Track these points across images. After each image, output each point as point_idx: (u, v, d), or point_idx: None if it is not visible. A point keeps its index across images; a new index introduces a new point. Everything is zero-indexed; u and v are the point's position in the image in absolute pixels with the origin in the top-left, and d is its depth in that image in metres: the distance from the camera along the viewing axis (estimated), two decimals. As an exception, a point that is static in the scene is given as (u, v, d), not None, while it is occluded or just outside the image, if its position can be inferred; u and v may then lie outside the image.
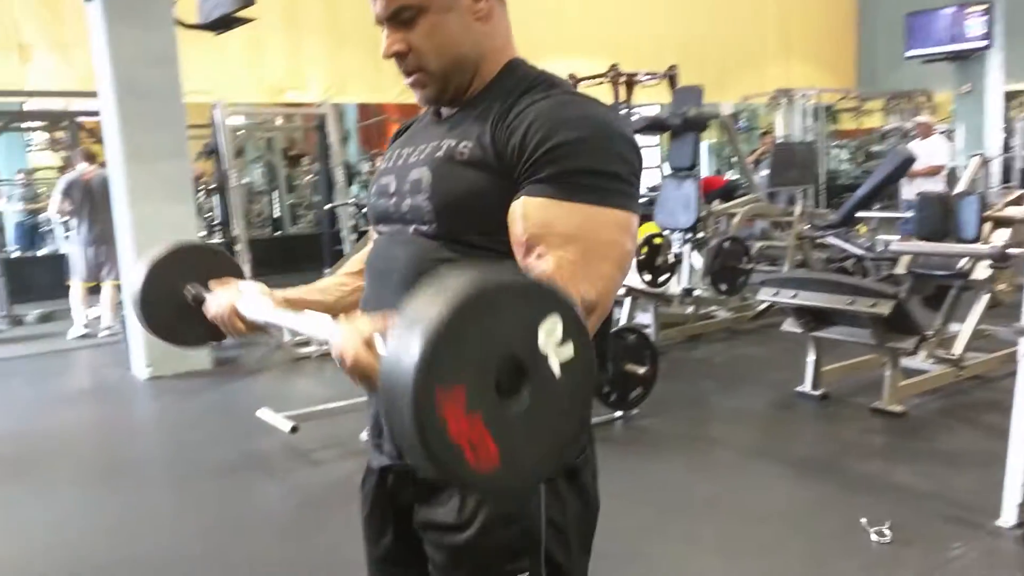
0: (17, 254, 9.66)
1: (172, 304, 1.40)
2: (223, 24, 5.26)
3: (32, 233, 10.38)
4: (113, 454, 4.01)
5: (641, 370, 4.03)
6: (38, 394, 5.25)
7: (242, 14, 5.06)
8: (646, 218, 8.48)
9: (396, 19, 1.13)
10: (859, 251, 6.44)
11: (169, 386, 5.15)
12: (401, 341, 0.79)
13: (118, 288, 6.23)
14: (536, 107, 1.09)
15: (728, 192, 7.76)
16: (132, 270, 1.40)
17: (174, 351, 5.39)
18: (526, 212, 1.07)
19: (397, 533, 1.27)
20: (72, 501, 3.46)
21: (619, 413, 4.09)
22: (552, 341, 0.84)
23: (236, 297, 1.30)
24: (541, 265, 1.04)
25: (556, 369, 0.85)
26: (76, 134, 8.97)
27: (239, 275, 1.42)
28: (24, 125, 10.58)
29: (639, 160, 1.12)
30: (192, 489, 3.53)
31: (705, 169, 14.81)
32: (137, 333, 5.35)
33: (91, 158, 6.86)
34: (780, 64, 13.66)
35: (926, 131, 8.02)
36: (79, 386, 5.47)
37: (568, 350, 0.85)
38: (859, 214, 6.47)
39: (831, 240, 6.68)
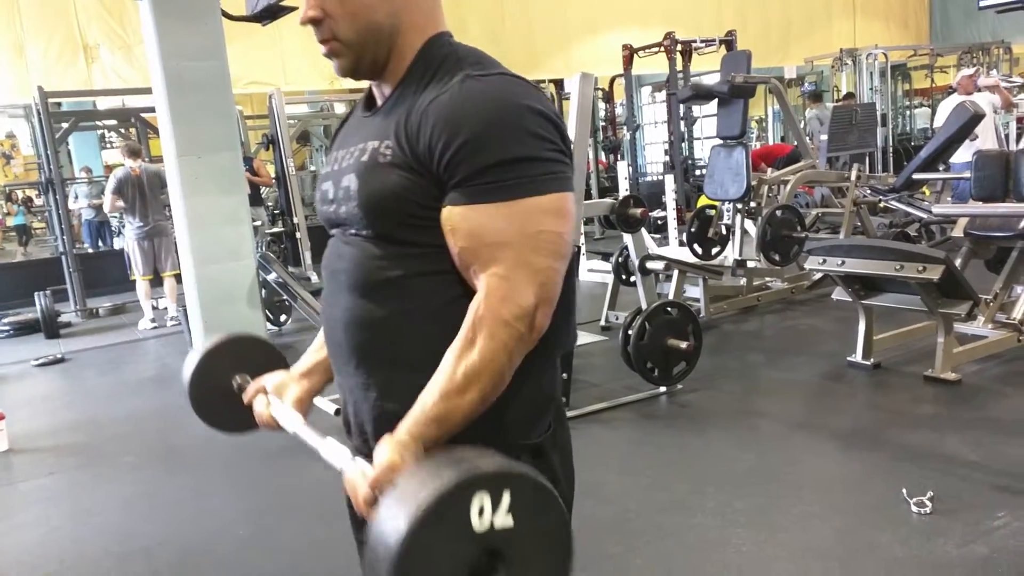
0: (90, 250, 10.11)
1: (221, 392, 1.47)
2: (269, 14, 5.33)
3: (101, 228, 10.84)
4: (172, 439, 4.19)
5: (684, 344, 3.98)
6: (108, 383, 5.51)
7: (288, 3, 5.12)
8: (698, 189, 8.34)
9: None
10: (922, 214, 6.21)
11: (229, 371, 5.32)
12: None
13: (178, 278, 6.45)
14: (436, 105, 1.06)
15: (794, 159, 7.53)
16: (188, 358, 1.49)
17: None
18: (453, 225, 1.06)
19: None
20: (133, 485, 3.63)
21: (663, 388, 4.06)
22: (486, 513, 0.86)
23: (273, 406, 1.36)
24: (478, 287, 1.05)
25: (508, 523, 0.86)
26: (142, 130, 9.30)
27: (283, 365, 1.48)
28: (94, 123, 11.00)
29: (557, 131, 1.08)
30: (243, 472, 3.66)
31: (771, 136, 14.45)
32: (197, 324, 5.54)
33: (136, 154, 7.10)
34: (846, 23, 13.17)
35: (967, 87, 7.56)
36: (144, 375, 5.70)
37: (504, 503, 0.86)
38: (922, 176, 6.22)
39: (893, 204, 6.45)
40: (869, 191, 6.42)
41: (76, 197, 10.23)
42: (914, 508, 2.67)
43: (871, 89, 11.36)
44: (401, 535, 0.82)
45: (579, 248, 3.83)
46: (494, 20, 10.26)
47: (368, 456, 1.09)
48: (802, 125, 9.87)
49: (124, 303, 7.82)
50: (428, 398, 1.05)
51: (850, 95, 11.04)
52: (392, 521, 0.84)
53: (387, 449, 1.03)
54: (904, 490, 2.75)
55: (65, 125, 8.52)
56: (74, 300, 7.87)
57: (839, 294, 4.22)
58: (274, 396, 1.37)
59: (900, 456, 3.15)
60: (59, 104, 9.64)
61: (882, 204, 6.61)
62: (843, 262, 3.97)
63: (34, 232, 13.76)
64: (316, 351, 1.40)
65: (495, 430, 1.11)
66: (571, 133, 3.88)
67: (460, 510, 0.84)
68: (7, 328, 7.36)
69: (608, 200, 4.18)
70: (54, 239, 9.03)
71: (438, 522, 0.83)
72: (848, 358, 4.24)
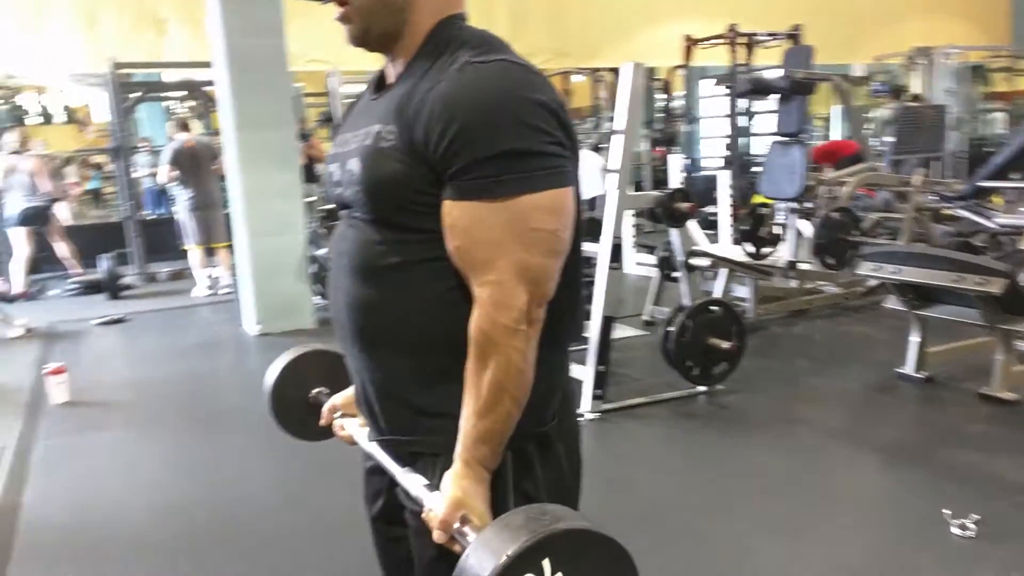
0: (152, 216, 10.38)
1: (300, 403, 1.55)
2: (329, -6, 5.39)
3: (162, 196, 11.13)
4: (216, 403, 4.29)
5: (725, 344, 3.91)
6: (161, 346, 5.66)
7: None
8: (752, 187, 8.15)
9: None
10: (991, 224, 5.97)
11: (275, 342, 5.41)
12: None
13: (229, 248, 6.59)
14: (433, 93, 1.05)
15: (859, 159, 7.29)
16: (270, 368, 1.57)
17: (283, 310, 5.75)
18: (450, 221, 1.06)
19: (387, 498, 1.30)
20: (177, 444, 3.74)
21: (702, 388, 4.00)
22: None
23: (346, 427, 1.40)
24: (475, 293, 1.06)
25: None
26: (205, 103, 9.49)
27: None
28: (161, 95, 11.26)
29: (557, 121, 1.06)
30: (282, 439, 3.68)
31: (836, 133, 14.07)
32: (248, 293, 5.65)
33: (184, 128, 7.28)
34: (922, 20, 12.71)
35: None
36: (196, 340, 5.84)
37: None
38: (992, 184, 5.97)
39: (959, 212, 6.22)
40: (934, 197, 6.21)
41: (139, 167, 10.51)
42: (956, 530, 2.57)
43: (945, 90, 10.96)
44: None
45: (619, 241, 3.77)
46: (520, 11, 10.09)
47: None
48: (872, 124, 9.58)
49: (182, 269, 8.00)
50: (467, 422, 1.07)
51: (916, 96, 10.66)
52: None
53: (449, 484, 1.07)
54: (946, 510, 2.65)
55: (134, 95, 8.74)
56: (136, 264, 8.12)
57: (892, 302, 4.09)
58: (347, 419, 1.41)
59: (945, 475, 3.05)
60: (130, 75, 9.89)
61: (947, 211, 6.38)
62: (898, 270, 3.84)
63: (104, 197, 14.22)
64: None
65: None
66: (619, 123, 3.83)
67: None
68: (74, 287, 7.64)
69: (653, 193, 4.11)
70: (120, 204, 9.30)
71: None
72: (898, 369, 4.11)
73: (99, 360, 5.48)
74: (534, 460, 1.16)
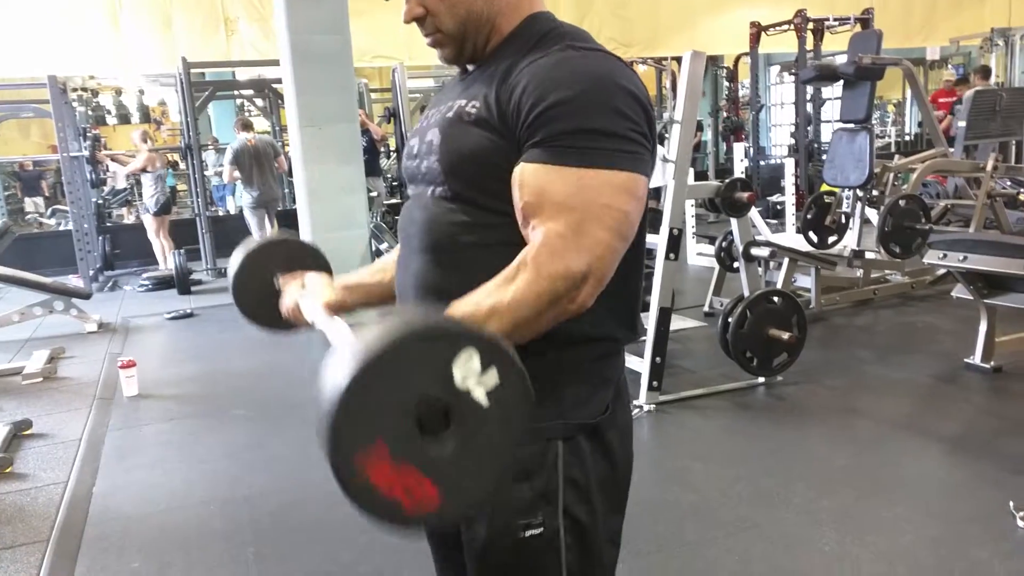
0: (221, 212, 10.71)
1: (263, 291, 1.50)
2: (393, -9, 5.48)
3: (224, 195, 11.48)
4: (281, 397, 4.41)
5: (786, 335, 3.86)
6: (229, 340, 5.83)
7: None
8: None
9: None
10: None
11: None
12: (318, 411, 0.83)
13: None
14: (533, 67, 1.08)
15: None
16: (233, 254, 1.53)
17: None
18: (523, 180, 1.06)
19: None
20: (242, 436, 3.86)
21: (761, 379, 3.96)
22: (472, 374, 0.85)
23: (300, 295, 1.41)
24: (532, 238, 1.05)
25: (483, 399, 0.86)
26: (274, 101, 9.73)
27: (327, 270, 1.52)
28: (231, 93, 11.58)
29: (644, 114, 1.08)
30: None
31: (908, 122, 13.64)
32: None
33: (247, 127, 7.48)
34: (1002, 0, 12.20)
35: None
36: (260, 335, 5.93)
37: (492, 377, 0.86)
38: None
39: (1035, 198, 6.00)
40: (1009, 183, 5.99)
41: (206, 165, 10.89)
42: (1020, 523, 2.52)
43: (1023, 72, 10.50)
44: (382, 343, 0.83)
45: (680, 231, 3.76)
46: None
47: None
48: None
49: (250, 265, 8.26)
50: (460, 303, 1.05)
51: (986, 71, 10.21)
52: (388, 326, 0.85)
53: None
54: (1012, 503, 2.60)
55: (205, 94, 9.03)
56: (205, 259, 8.40)
57: (959, 291, 3.97)
58: (307, 290, 1.42)
59: (1011, 468, 2.96)
60: (203, 74, 10.20)
61: (1023, 197, 6.15)
62: (965, 257, 3.74)
63: (178, 194, 14.72)
64: (369, 274, 1.44)
65: (552, 407, 1.13)
66: (679, 112, 3.81)
67: (447, 351, 0.85)
68: (147, 282, 7.95)
69: (714, 183, 4.07)
70: (191, 201, 9.62)
71: (424, 345, 0.85)
72: (966, 360, 4.00)
73: (169, 353, 5.70)
74: (585, 451, 1.16)
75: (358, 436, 0.83)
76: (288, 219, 7.51)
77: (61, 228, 10.19)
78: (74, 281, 7.78)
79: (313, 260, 1.56)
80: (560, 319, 1.05)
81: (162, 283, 7.83)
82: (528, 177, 1.06)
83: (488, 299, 1.03)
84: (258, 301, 1.52)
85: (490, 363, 0.86)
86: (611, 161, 1.04)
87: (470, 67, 1.23)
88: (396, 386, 0.83)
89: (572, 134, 1.04)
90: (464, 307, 1.04)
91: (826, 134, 10.23)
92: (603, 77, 1.06)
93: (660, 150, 3.97)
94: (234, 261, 1.52)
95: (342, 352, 0.84)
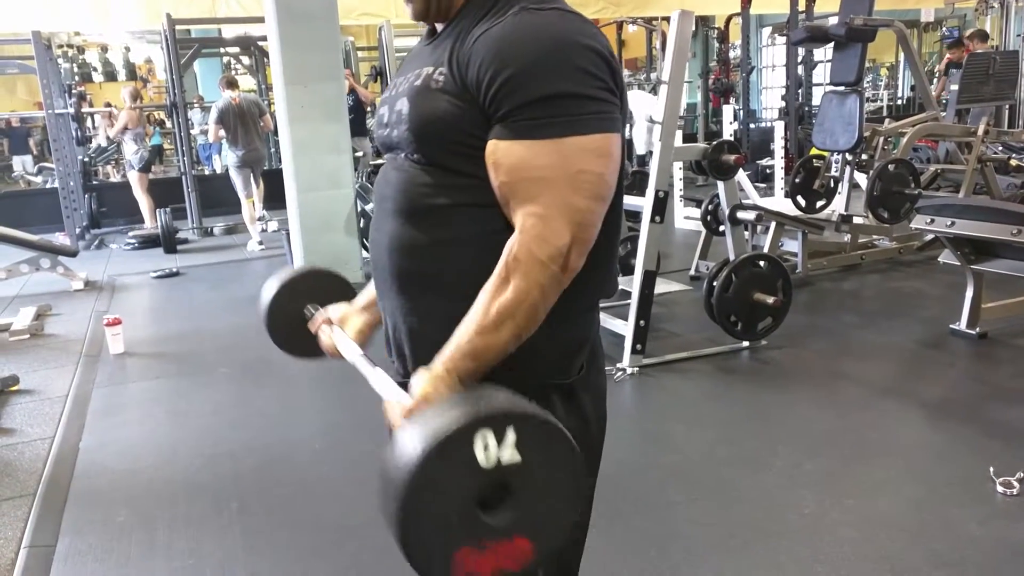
0: (207, 171, 10.60)
1: (294, 319, 1.54)
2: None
3: (210, 153, 11.34)
4: (265, 355, 4.34)
5: (770, 300, 3.86)
6: (214, 299, 5.82)
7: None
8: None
9: None
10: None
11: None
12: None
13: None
14: (486, 36, 1.06)
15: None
16: (266, 284, 1.57)
17: (331, 264, 5.74)
18: (496, 160, 1.06)
19: None
20: (226, 393, 3.87)
21: (745, 343, 3.96)
22: (492, 448, 0.88)
23: (336, 336, 1.41)
24: (516, 224, 1.06)
25: (515, 457, 0.89)
26: (260, 58, 9.57)
27: (351, 297, 1.53)
28: (217, 51, 11.40)
29: (609, 69, 1.06)
30: (326, 390, 3.83)
31: (901, 86, 13.53)
32: (297, 249, 5.76)
33: (232, 85, 7.36)
34: (998, -38, 12.04)
35: None
36: (247, 293, 5.95)
37: (510, 436, 0.89)
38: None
39: (1025, 164, 5.98)
40: (1000, 148, 5.96)
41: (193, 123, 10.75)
42: (1000, 488, 2.53)
43: (1018, 35, 10.42)
44: (411, 466, 0.86)
45: (666, 194, 3.72)
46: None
47: (408, 376, 1.14)
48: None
49: (236, 224, 8.19)
50: (463, 333, 1.07)
51: (979, 34, 10.12)
52: (404, 452, 0.89)
53: (423, 381, 1.06)
54: (992, 468, 2.61)
55: (190, 51, 8.87)
56: (191, 218, 8.33)
57: (946, 257, 3.97)
58: (337, 327, 1.43)
59: (993, 433, 2.98)
60: (188, 31, 10.01)
61: (1014, 162, 6.13)
62: (952, 223, 3.72)
63: (165, 153, 14.54)
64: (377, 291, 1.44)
65: (527, 368, 1.13)
66: (666, 72, 3.76)
67: (464, 447, 0.87)
68: (133, 241, 7.90)
69: (700, 145, 4.03)
70: (176, 160, 9.51)
71: (444, 457, 0.87)
72: (951, 326, 4.01)
73: (155, 312, 5.69)
74: (557, 409, 1.16)
75: (439, 562, 0.89)
76: (273, 178, 7.44)
77: (48, 186, 10.07)
78: (61, 239, 7.72)
79: (339, 288, 1.59)
80: (561, 289, 1.07)
81: (148, 241, 7.79)
82: (501, 157, 1.06)
83: (493, 304, 1.05)
84: (289, 331, 1.56)
85: (503, 429, 0.89)
86: (580, 126, 1.04)
87: (439, 27, 1.20)
88: (442, 505, 0.88)
89: (536, 104, 1.03)
90: (473, 320, 1.06)
91: (817, 97, 10.15)
92: (561, 38, 1.04)
93: (646, 110, 3.92)
94: (265, 296, 1.56)
95: (383, 503, 0.92)
